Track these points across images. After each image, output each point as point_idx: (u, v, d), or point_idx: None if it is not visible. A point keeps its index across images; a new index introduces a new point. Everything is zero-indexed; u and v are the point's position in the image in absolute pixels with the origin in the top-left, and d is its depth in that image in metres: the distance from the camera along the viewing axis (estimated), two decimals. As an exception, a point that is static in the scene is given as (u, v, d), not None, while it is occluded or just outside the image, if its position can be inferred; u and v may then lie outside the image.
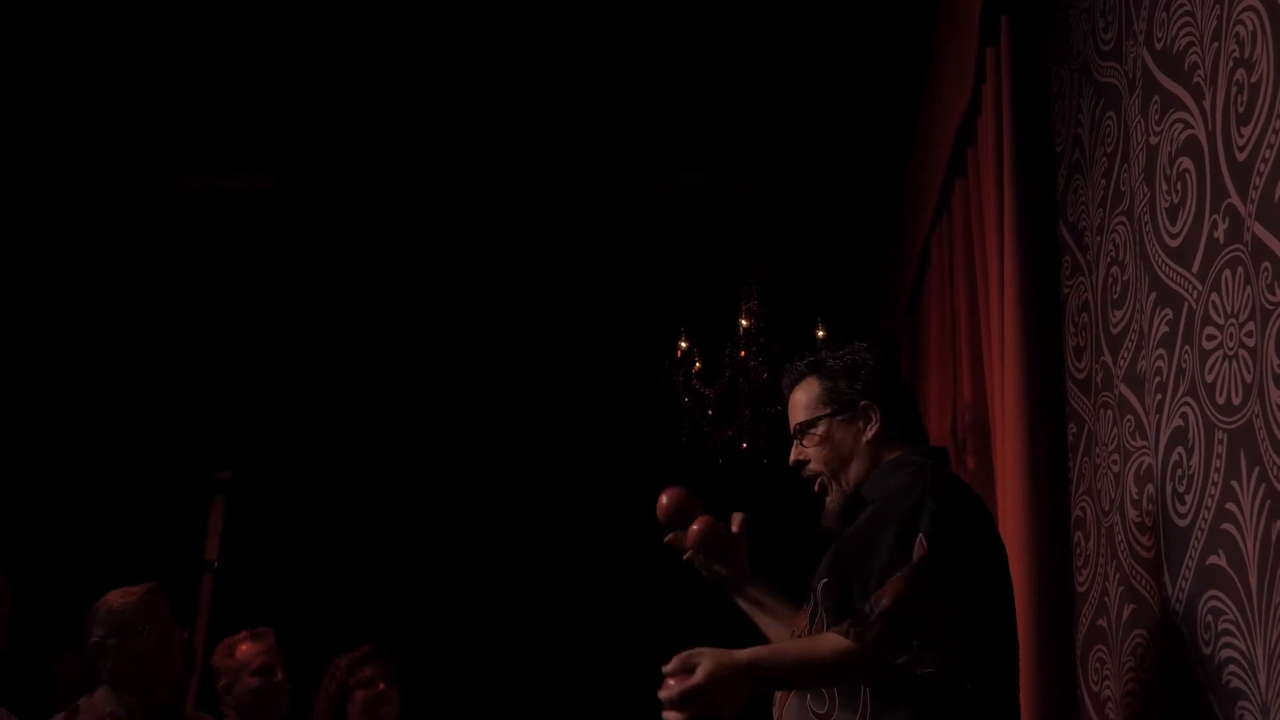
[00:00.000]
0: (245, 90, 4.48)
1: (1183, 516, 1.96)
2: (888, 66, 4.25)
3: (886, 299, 5.10)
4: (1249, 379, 1.71)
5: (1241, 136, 1.75)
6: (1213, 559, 1.84)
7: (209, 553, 4.18)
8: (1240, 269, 1.75)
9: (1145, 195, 2.17)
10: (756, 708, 2.11)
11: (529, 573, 5.62)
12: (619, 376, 5.45)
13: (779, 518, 4.03)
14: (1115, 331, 2.34)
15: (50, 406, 5.43)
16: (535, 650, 5.58)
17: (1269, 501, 1.65)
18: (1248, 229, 1.72)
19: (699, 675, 1.80)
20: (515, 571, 5.62)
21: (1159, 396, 2.08)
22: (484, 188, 5.10)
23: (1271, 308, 1.64)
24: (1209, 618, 1.84)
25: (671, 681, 1.82)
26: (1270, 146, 1.66)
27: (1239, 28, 1.77)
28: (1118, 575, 2.29)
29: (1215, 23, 1.86)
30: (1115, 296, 2.35)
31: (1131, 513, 2.23)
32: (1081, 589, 2.51)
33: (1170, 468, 2.02)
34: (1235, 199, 1.77)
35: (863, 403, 2.17)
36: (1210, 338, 1.86)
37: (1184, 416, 1.96)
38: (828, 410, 2.18)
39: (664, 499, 2.35)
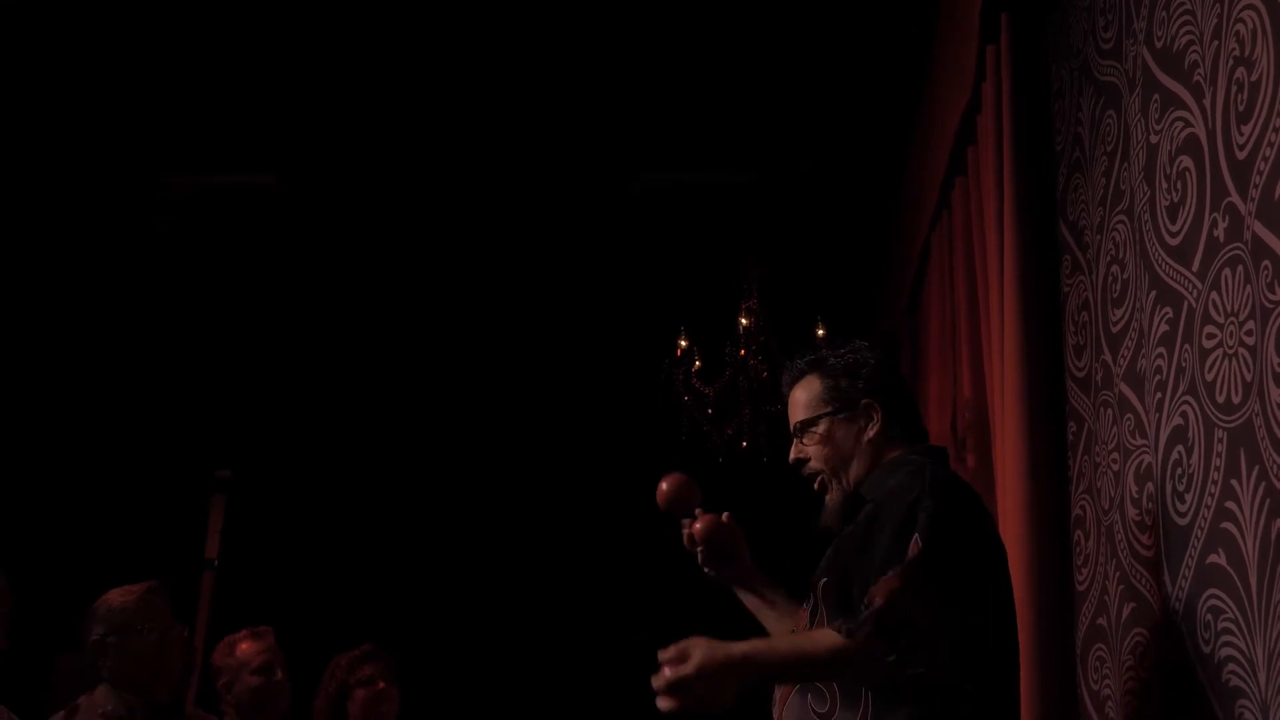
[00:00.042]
0: (245, 89, 4.47)
1: (1182, 515, 1.96)
2: (888, 66, 4.25)
3: (886, 298, 5.10)
4: (1249, 378, 1.71)
5: (1241, 135, 1.75)
6: (1212, 558, 1.84)
7: (209, 551, 4.18)
8: (1240, 267, 1.75)
9: (1145, 194, 2.17)
10: (757, 707, 2.11)
11: (529, 572, 5.62)
12: (619, 375, 5.45)
13: (779, 517, 4.03)
14: (1115, 330, 2.34)
15: (50, 406, 5.43)
16: (535, 650, 5.57)
17: (1269, 500, 1.65)
18: (1248, 227, 1.72)
19: (689, 665, 1.81)
20: (515, 571, 5.62)
21: (1159, 395, 2.08)
22: (484, 187, 5.10)
23: (1271, 306, 1.64)
24: (1209, 616, 1.84)
25: (666, 670, 1.82)
26: (1270, 145, 1.66)
27: (1239, 26, 1.77)
28: (1117, 574, 2.29)
29: (1215, 21, 1.86)
30: (1115, 295, 2.35)
31: (1131, 511, 2.23)
32: (1081, 587, 2.51)
33: (1170, 466, 2.02)
34: (1235, 197, 1.77)
35: (864, 401, 2.17)
36: (1210, 336, 1.86)
37: (1184, 415, 1.96)
38: (829, 409, 2.18)
39: (664, 485, 2.34)
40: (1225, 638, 1.78)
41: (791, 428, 2.23)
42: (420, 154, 4.89)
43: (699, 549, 2.32)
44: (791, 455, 2.23)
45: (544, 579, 5.63)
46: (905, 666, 1.83)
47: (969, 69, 3.13)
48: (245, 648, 3.37)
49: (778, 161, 4.96)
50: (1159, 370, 2.08)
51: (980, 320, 3.15)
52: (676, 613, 2.03)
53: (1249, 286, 1.71)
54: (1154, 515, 2.11)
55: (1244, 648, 1.72)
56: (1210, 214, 1.87)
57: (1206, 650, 1.85)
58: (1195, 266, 1.93)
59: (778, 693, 2.03)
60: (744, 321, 4.76)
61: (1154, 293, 2.11)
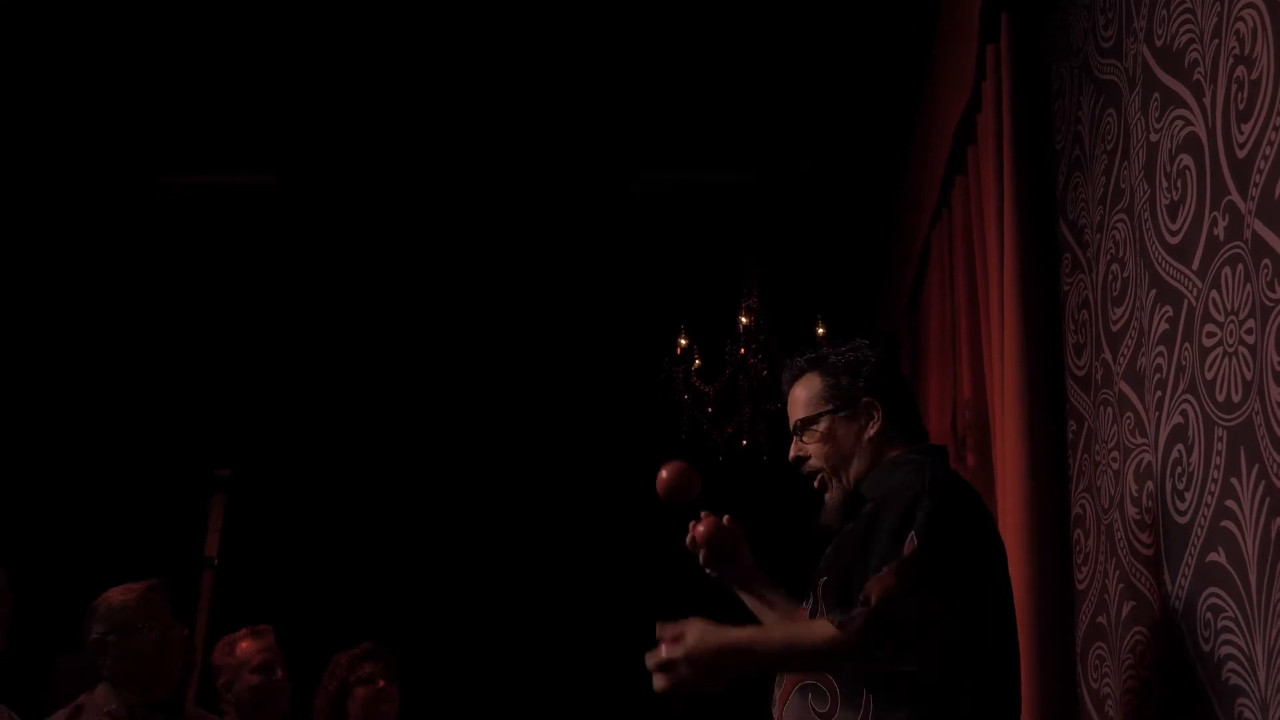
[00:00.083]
0: (245, 89, 4.47)
1: (1182, 514, 1.97)
2: (888, 66, 4.25)
3: (886, 298, 5.10)
4: (1249, 376, 1.71)
5: (1242, 133, 1.75)
6: (1212, 556, 1.84)
7: (209, 550, 4.18)
8: (1240, 266, 1.75)
9: (1145, 192, 2.17)
10: (757, 707, 2.11)
11: (529, 571, 5.62)
12: (619, 374, 5.45)
13: (778, 515, 4.04)
14: (1115, 329, 2.34)
15: (50, 405, 5.43)
16: (535, 649, 5.57)
17: (1269, 499, 1.65)
18: (1248, 226, 1.72)
19: (680, 647, 1.83)
20: (515, 569, 5.62)
21: (1159, 394, 2.08)
22: (484, 186, 5.10)
23: (1271, 305, 1.64)
24: (1208, 615, 1.85)
25: (662, 648, 1.84)
26: (1270, 144, 1.66)
27: (1239, 25, 1.77)
28: (1117, 572, 2.30)
29: (1215, 20, 1.86)
30: (1115, 294, 2.35)
31: (1131, 510, 2.23)
32: (1081, 586, 2.51)
33: (1170, 465, 2.02)
34: (1235, 196, 1.77)
35: (865, 400, 2.17)
36: (1210, 335, 1.86)
37: (1184, 414, 1.97)
38: (829, 407, 2.18)
39: (664, 473, 2.33)
40: (1225, 636, 1.78)
41: (791, 426, 2.23)
42: (420, 154, 4.89)
43: (700, 551, 2.31)
44: (791, 453, 2.23)
45: (544, 578, 5.63)
46: (896, 663, 1.84)
47: (969, 68, 3.13)
48: (245, 646, 3.37)
49: (778, 161, 4.96)
50: (1159, 369, 2.08)
51: (980, 319, 3.15)
52: (676, 613, 2.03)
53: (1249, 285, 1.72)
54: (1154, 514, 2.11)
55: (1244, 646, 1.72)
56: (1210, 212, 1.87)
57: (1206, 649, 1.85)
58: (1195, 265, 1.93)
59: (777, 692, 2.02)
60: (744, 320, 4.76)
61: (1154, 291, 2.11)
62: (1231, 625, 1.76)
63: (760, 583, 2.32)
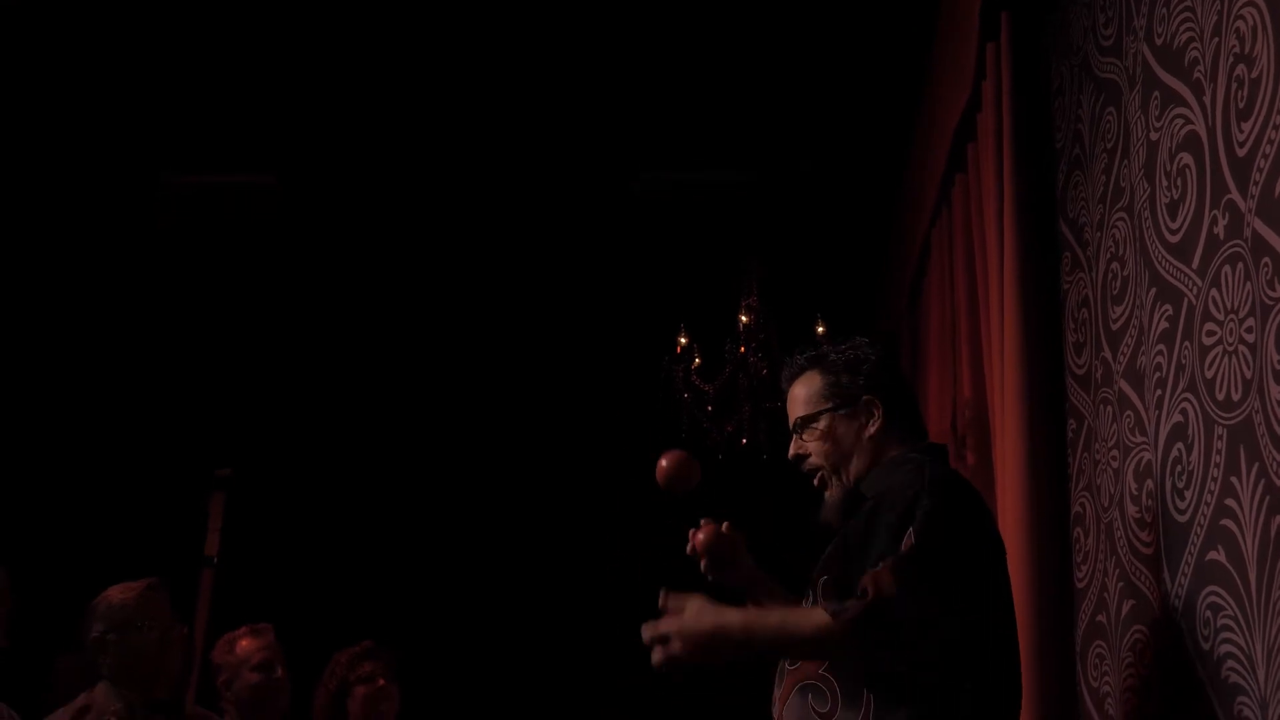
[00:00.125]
0: (245, 89, 4.47)
1: (1182, 512, 1.97)
2: (888, 66, 4.25)
3: (887, 298, 5.10)
4: (1249, 375, 1.72)
5: (1242, 132, 1.75)
6: (1212, 554, 1.84)
7: (209, 549, 4.18)
8: (1240, 264, 1.75)
9: (1145, 191, 2.17)
10: (757, 707, 2.11)
11: (529, 570, 5.62)
12: (619, 372, 5.45)
13: (778, 514, 4.04)
14: (1115, 327, 2.34)
15: (50, 403, 5.43)
16: (535, 648, 5.57)
17: (1268, 497, 1.65)
18: (1248, 224, 1.73)
19: (677, 621, 1.85)
20: (515, 568, 5.61)
21: (1159, 392, 2.08)
22: (484, 185, 5.10)
23: (1271, 303, 1.64)
24: (1208, 613, 1.85)
25: (661, 622, 1.86)
26: (1270, 142, 1.66)
27: (1239, 23, 1.77)
28: (1117, 571, 2.30)
29: (1215, 18, 1.86)
30: (1115, 292, 2.35)
31: (1131, 508, 2.23)
32: (1081, 585, 2.51)
33: (1170, 463, 2.02)
34: (1235, 194, 1.77)
35: (865, 398, 2.16)
36: (1210, 333, 1.86)
37: (1184, 412, 1.97)
38: (829, 405, 2.18)
39: (664, 462, 2.32)
40: (1225, 634, 1.78)
41: (791, 424, 2.23)
42: (421, 153, 4.89)
43: (701, 559, 2.31)
44: (791, 451, 2.22)
45: (544, 577, 5.63)
46: (888, 658, 1.84)
47: (969, 67, 3.13)
48: (245, 645, 3.37)
49: (778, 160, 4.96)
50: (1159, 367, 2.08)
51: (980, 318, 3.15)
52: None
53: (1249, 283, 1.72)
54: (1154, 512, 2.11)
55: (1243, 644, 1.72)
56: (1210, 211, 1.87)
57: (1206, 647, 1.85)
58: (1195, 263, 1.93)
59: (777, 691, 2.03)
60: (744, 319, 4.76)
61: (1154, 290, 2.11)
62: (1231, 624, 1.76)
63: (762, 587, 2.32)
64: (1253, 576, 1.69)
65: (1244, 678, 1.72)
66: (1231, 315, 1.78)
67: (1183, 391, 1.97)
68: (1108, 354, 2.38)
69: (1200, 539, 1.89)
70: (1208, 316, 1.87)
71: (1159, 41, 2.12)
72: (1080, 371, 2.57)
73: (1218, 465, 1.82)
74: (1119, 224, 2.34)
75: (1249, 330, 1.71)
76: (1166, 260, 2.05)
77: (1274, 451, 1.63)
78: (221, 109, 4.56)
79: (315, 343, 5.65)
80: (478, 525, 5.65)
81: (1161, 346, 2.07)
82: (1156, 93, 2.12)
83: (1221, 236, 1.82)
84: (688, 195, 5.14)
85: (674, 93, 4.51)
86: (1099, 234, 2.46)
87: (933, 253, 3.93)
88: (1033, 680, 2.38)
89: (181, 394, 5.62)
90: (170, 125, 4.65)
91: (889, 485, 2.05)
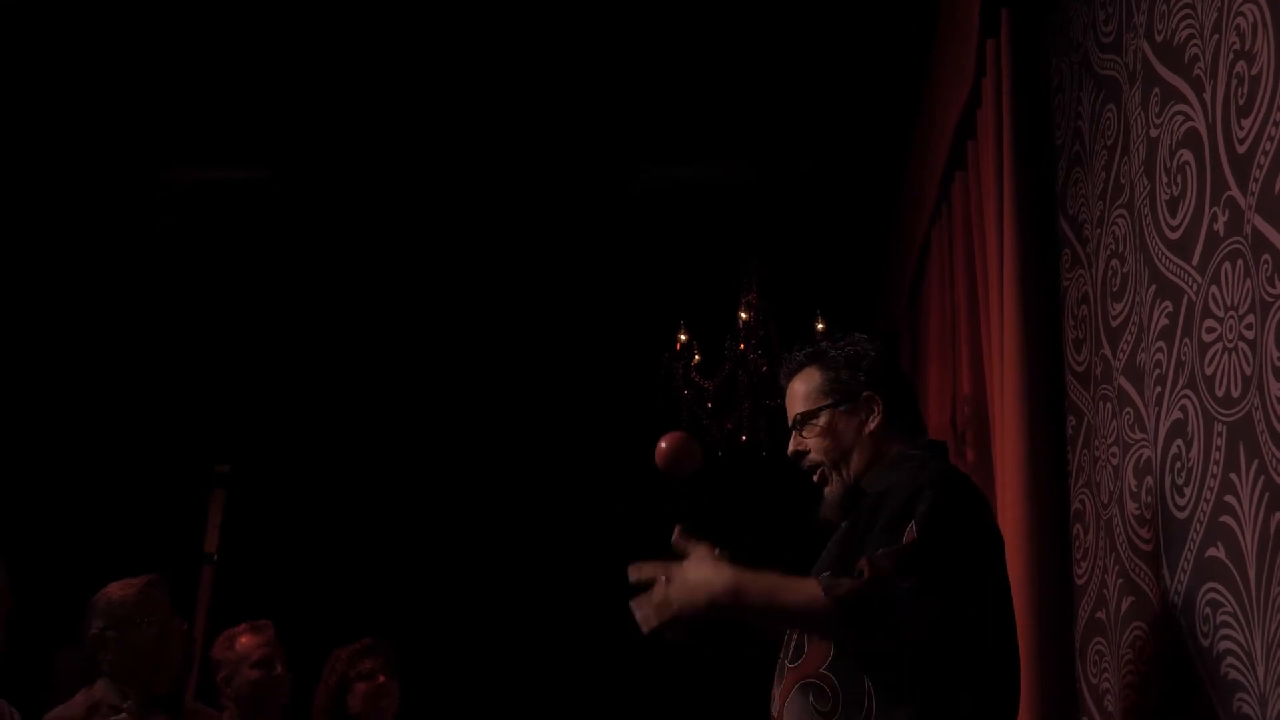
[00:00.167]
0: (245, 86, 4.47)
1: (1181, 509, 1.97)
2: (888, 65, 4.25)
3: (886, 296, 5.10)
4: (1248, 371, 1.72)
5: (1242, 129, 1.75)
6: (1211, 551, 1.84)
7: (208, 545, 4.19)
8: (1240, 261, 1.75)
9: (1145, 188, 2.17)
10: (755, 706, 2.10)
11: (529, 567, 5.62)
12: (618, 369, 5.45)
13: (778, 511, 4.04)
14: (1115, 324, 2.34)
15: (50, 401, 5.43)
16: (535, 645, 5.57)
17: (1268, 494, 1.65)
18: (1248, 221, 1.73)
19: (676, 566, 1.86)
20: (515, 566, 5.61)
21: (1158, 389, 2.08)
22: (484, 182, 5.10)
23: (1271, 300, 1.64)
24: (1207, 610, 1.85)
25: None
26: (1270, 139, 1.66)
27: (1239, 20, 1.77)
28: (1116, 568, 2.30)
29: (1215, 15, 1.86)
30: (1115, 289, 2.35)
31: (1130, 505, 2.23)
32: (1080, 581, 2.51)
33: (1169, 460, 2.02)
34: (1235, 191, 1.77)
35: (865, 394, 2.16)
36: (1210, 330, 1.86)
37: (1183, 409, 1.97)
38: (829, 401, 2.17)
39: (663, 444, 2.31)
40: (1224, 631, 1.79)
41: (790, 420, 2.22)
42: (421, 150, 4.89)
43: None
44: (790, 448, 2.22)
45: (544, 574, 5.63)
46: (873, 641, 1.84)
47: (969, 64, 3.13)
48: (245, 641, 3.37)
49: (778, 159, 4.96)
50: (1158, 364, 2.08)
51: (980, 315, 3.15)
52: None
53: (1249, 280, 1.72)
54: (1153, 509, 2.11)
55: (1243, 641, 1.72)
56: (1210, 208, 1.87)
57: (1205, 644, 1.85)
58: (1195, 260, 1.93)
59: (776, 689, 2.02)
60: (744, 315, 4.76)
61: (1154, 287, 2.11)
62: (1230, 620, 1.76)
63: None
64: (1252, 573, 1.69)
65: (1243, 674, 1.72)
66: (1231, 312, 1.78)
67: (1182, 388, 1.97)
68: (1107, 351, 2.38)
69: (1200, 535, 1.89)
70: (1207, 313, 1.87)
71: (1159, 38, 2.12)
72: (1080, 368, 2.57)
73: (1217, 462, 1.82)
74: (1119, 221, 2.34)
75: (1249, 327, 1.71)
76: (1166, 257, 2.05)
77: (1273, 448, 1.63)
78: (220, 106, 4.56)
79: (315, 340, 5.65)
80: (478, 522, 5.65)
81: (1161, 343, 2.07)
82: (1156, 89, 2.12)
83: (1221, 233, 1.82)
84: (688, 193, 5.14)
85: (674, 92, 4.52)
86: (1099, 231, 2.46)
87: (933, 250, 3.93)
88: (1032, 677, 2.38)
89: (181, 391, 5.62)
90: (169, 123, 4.65)
91: (891, 482, 2.04)
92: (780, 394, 2.30)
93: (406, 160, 4.95)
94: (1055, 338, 2.68)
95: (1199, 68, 1.93)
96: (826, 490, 2.19)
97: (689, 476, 2.31)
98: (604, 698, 5.34)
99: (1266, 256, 1.66)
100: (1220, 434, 1.81)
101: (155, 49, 4.25)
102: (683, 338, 4.79)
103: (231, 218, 5.18)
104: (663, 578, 1.90)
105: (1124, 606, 2.25)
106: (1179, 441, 1.98)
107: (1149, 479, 2.13)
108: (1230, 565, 1.77)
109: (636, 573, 1.92)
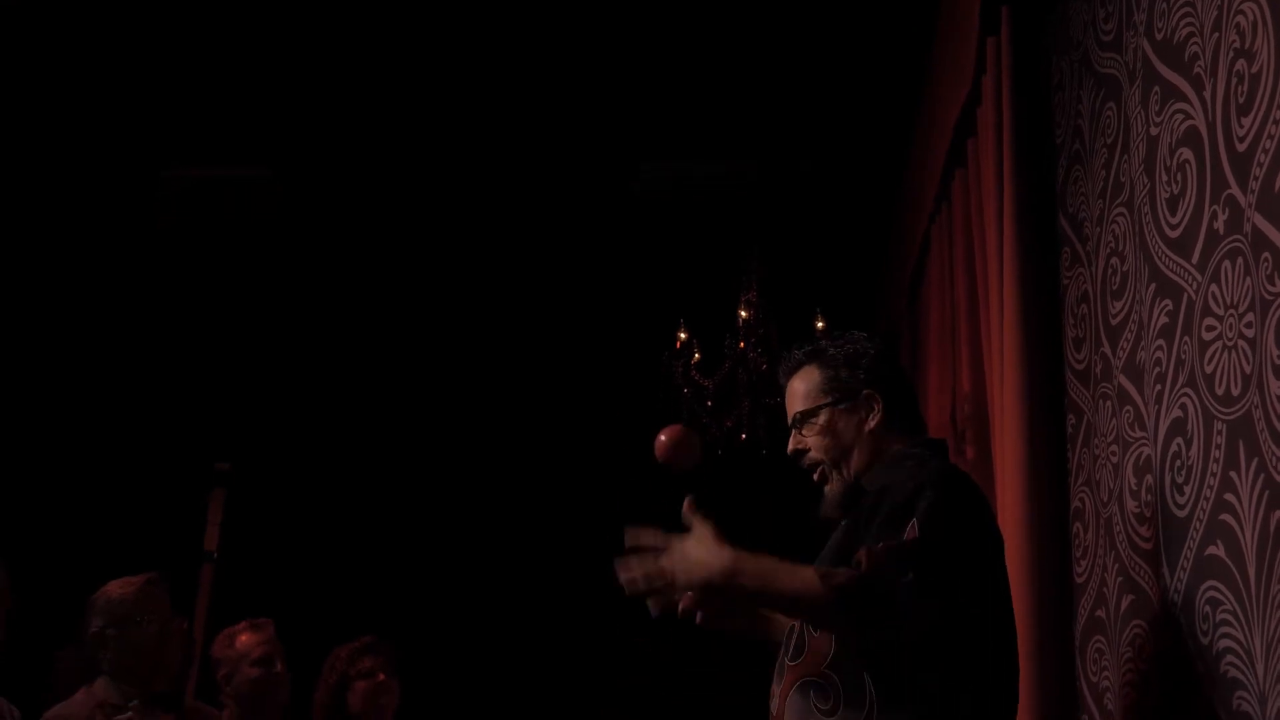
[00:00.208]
0: (245, 85, 4.47)
1: (1181, 507, 1.97)
2: (888, 64, 4.25)
3: (886, 298, 5.10)
4: (1248, 370, 1.72)
5: (1242, 127, 1.75)
6: (1211, 549, 1.84)
7: (208, 543, 4.19)
8: (1240, 260, 1.75)
9: (1145, 186, 2.17)
10: (755, 707, 2.10)
11: (528, 566, 5.62)
12: (618, 367, 5.45)
13: (778, 509, 4.04)
14: (1115, 322, 2.34)
15: (50, 399, 5.43)
16: (535, 644, 5.58)
17: (1267, 492, 1.65)
18: (1248, 220, 1.73)
19: (676, 546, 1.89)
20: (515, 565, 5.62)
21: (1158, 387, 2.08)
22: (484, 180, 5.10)
23: (1271, 298, 1.64)
24: (1207, 608, 1.85)
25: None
26: (1270, 137, 1.66)
27: (1239, 18, 1.77)
28: (1116, 566, 2.30)
29: (1215, 13, 1.86)
30: (1115, 287, 2.35)
31: (1130, 503, 2.23)
32: (1080, 580, 2.51)
33: (1169, 458, 2.02)
34: (1235, 190, 1.77)
35: (865, 392, 2.16)
36: (1210, 328, 1.86)
37: (1183, 407, 1.97)
38: (829, 399, 2.17)
39: (663, 436, 2.31)
40: (1224, 629, 1.79)
41: (790, 419, 2.22)
42: (421, 149, 4.89)
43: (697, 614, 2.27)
44: (790, 446, 2.21)
45: (543, 574, 5.63)
46: (866, 634, 1.84)
47: (969, 61, 3.13)
48: (245, 639, 3.37)
49: (777, 159, 4.96)
50: (1158, 362, 2.08)
51: (980, 313, 3.15)
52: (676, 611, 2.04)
53: (1249, 279, 1.72)
54: (1153, 507, 2.11)
55: (1242, 639, 1.72)
56: (1210, 206, 1.87)
57: (1205, 642, 1.85)
58: (1195, 259, 1.93)
59: (776, 687, 2.02)
60: (743, 314, 4.76)
61: (1154, 285, 2.11)
62: (1230, 618, 1.76)
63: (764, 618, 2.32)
64: (1252, 571, 1.69)
65: (1243, 672, 1.72)
66: (1231, 310, 1.78)
67: (1182, 386, 1.97)
68: (1107, 349, 2.38)
69: (1199, 534, 1.89)
70: (1207, 311, 1.87)
71: (1159, 36, 2.12)
72: (1080, 366, 2.57)
73: (1217, 460, 1.82)
74: (1119, 219, 2.34)
75: (1248, 325, 1.71)
76: (1166, 255, 2.05)
77: (1273, 446, 1.63)
78: (220, 105, 4.56)
79: (315, 338, 5.66)
80: (478, 521, 5.65)
81: (1161, 341, 2.07)
82: (1156, 88, 2.12)
83: (1221, 231, 1.82)
84: (688, 191, 5.14)
85: (674, 90, 4.52)
86: (1099, 229, 2.46)
87: (932, 248, 3.92)
88: (1032, 675, 2.38)
89: (181, 389, 5.62)
90: (169, 122, 4.65)
91: (891, 480, 2.04)
92: (780, 392, 2.30)
93: (407, 160, 4.95)
94: (1055, 336, 2.67)
95: (1199, 66, 1.93)
96: (826, 489, 2.18)
97: (689, 471, 2.30)
98: (604, 698, 5.34)
99: (1266, 255, 1.66)
100: (1220, 432, 1.81)
101: (155, 49, 4.25)
102: (682, 336, 4.79)
103: (231, 217, 5.18)
104: (659, 547, 1.91)
105: (1124, 605, 2.25)
106: (1179, 440, 1.98)
107: (1149, 477, 2.13)
108: (1230, 563, 1.77)
109: (634, 538, 1.92)
